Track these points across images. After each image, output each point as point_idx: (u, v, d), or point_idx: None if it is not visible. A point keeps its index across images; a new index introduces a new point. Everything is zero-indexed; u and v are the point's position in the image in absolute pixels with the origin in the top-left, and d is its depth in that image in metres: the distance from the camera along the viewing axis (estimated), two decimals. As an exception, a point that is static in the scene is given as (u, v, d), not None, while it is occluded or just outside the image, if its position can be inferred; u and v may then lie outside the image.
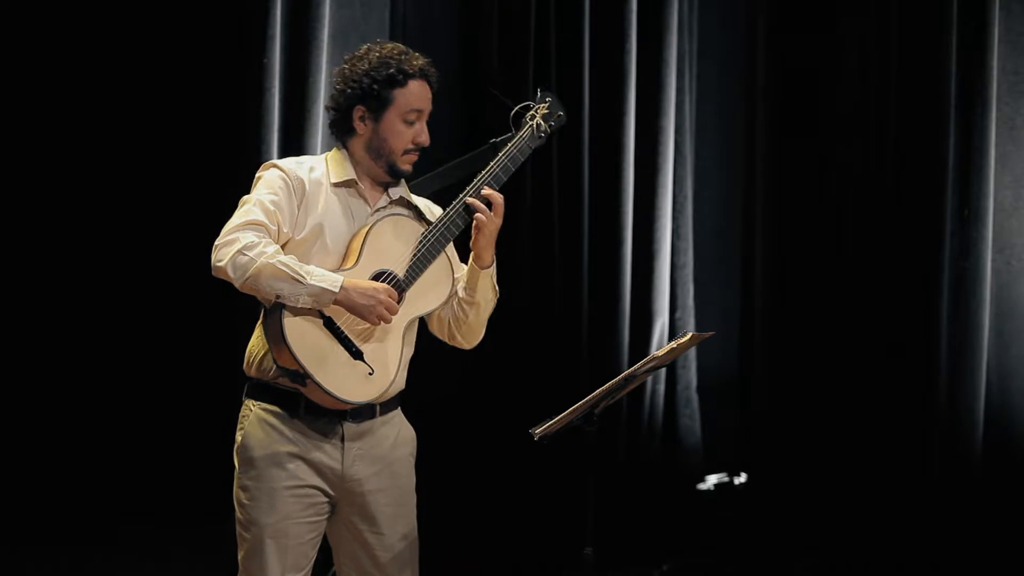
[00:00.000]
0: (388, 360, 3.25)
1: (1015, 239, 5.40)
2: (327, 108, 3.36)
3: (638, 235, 5.68)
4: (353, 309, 3.15)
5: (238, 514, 3.27)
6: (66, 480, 5.11)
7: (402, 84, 3.27)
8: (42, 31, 5.06)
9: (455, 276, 3.39)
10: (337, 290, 3.12)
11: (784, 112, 5.79)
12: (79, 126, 5.09)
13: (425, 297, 3.30)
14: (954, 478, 5.37)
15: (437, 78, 3.34)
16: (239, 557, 3.28)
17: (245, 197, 3.24)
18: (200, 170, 5.05)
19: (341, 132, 3.34)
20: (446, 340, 3.48)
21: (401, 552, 3.36)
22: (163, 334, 5.14)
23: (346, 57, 3.35)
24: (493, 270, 3.37)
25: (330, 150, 3.37)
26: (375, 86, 3.26)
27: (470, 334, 3.45)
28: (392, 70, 3.27)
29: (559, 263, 5.57)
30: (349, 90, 3.28)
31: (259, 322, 3.28)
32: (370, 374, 3.21)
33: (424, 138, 3.32)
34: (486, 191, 3.31)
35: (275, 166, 3.29)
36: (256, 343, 3.28)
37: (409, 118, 3.29)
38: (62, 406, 5.13)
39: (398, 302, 3.22)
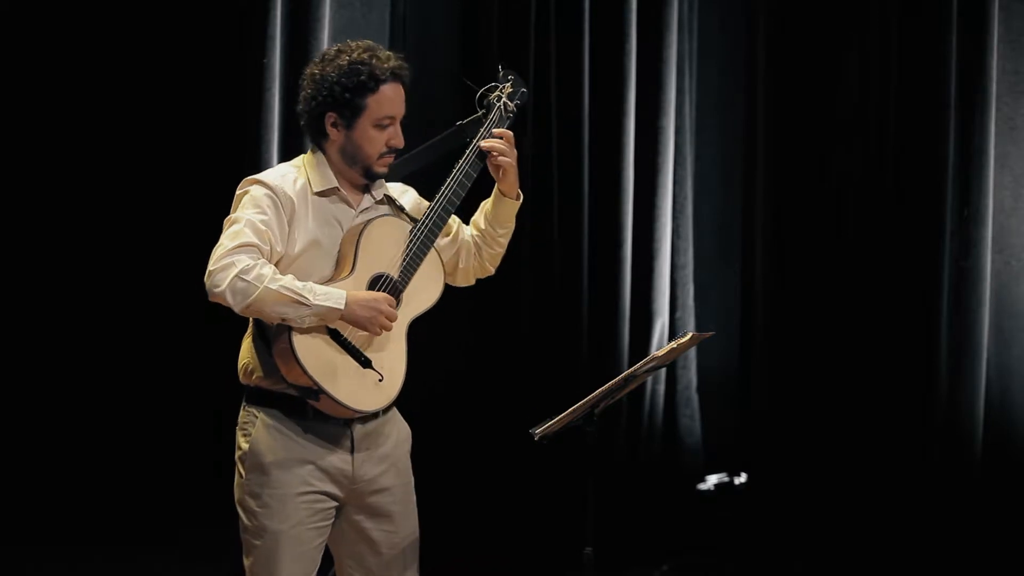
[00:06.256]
0: (395, 365, 3.25)
1: (1015, 239, 5.40)
2: (297, 111, 3.30)
3: (638, 235, 5.68)
4: (356, 323, 3.14)
5: (245, 521, 3.26)
6: (66, 480, 5.10)
7: (373, 90, 3.20)
8: (42, 31, 5.06)
9: (444, 262, 3.40)
10: (343, 307, 3.11)
11: (784, 112, 5.79)
12: (79, 127, 5.09)
13: (421, 295, 3.29)
14: (954, 478, 5.37)
15: (410, 74, 3.27)
16: (247, 564, 3.27)
17: (231, 216, 3.18)
18: (200, 170, 5.05)
19: (314, 135, 3.29)
20: (471, 283, 3.54)
21: (407, 548, 3.37)
22: (164, 335, 5.13)
23: (315, 59, 3.28)
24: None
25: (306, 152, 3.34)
26: (346, 94, 3.19)
27: (498, 259, 3.52)
28: (363, 76, 3.19)
29: (559, 263, 5.58)
30: (320, 97, 3.21)
31: (248, 333, 3.26)
32: (380, 381, 3.21)
33: (398, 140, 3.26)
34: (486, 143, 3.32)
35: (259, 182, 3.21)
36: (248, 354, 3.26)
37: (383, 123, 3.23)
38: (63, 407, 5.13)
39: (396, 305, 3.22)
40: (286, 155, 4.99)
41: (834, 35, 5.72)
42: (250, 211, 3.16)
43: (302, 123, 3.30)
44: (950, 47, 5.37)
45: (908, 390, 5.47)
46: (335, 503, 3.29)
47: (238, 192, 3.24)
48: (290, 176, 3.24)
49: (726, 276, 6.00)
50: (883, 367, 5.50)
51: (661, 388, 5.73)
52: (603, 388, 3.38)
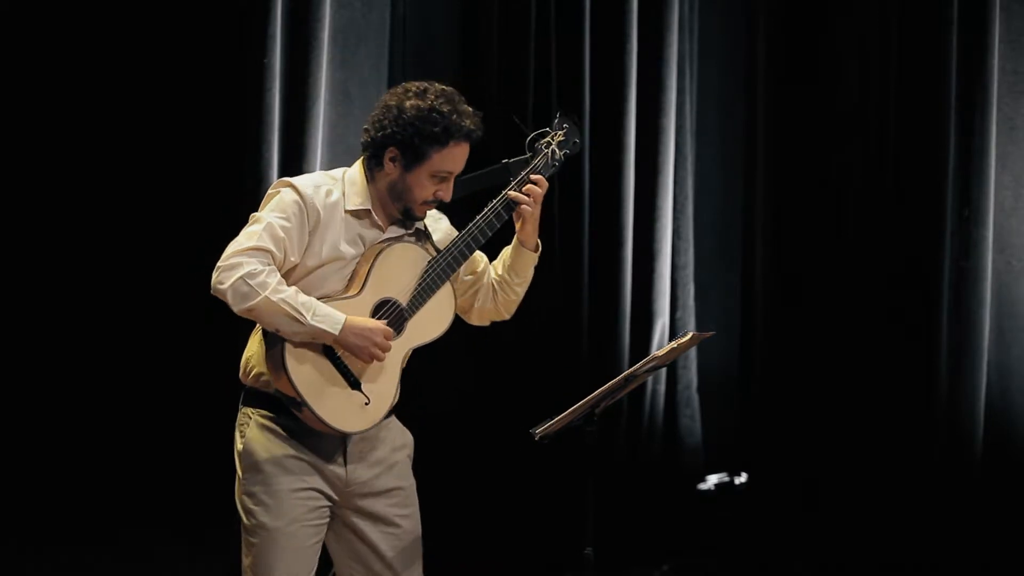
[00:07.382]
0: (384, 391, 3.27)
1: (1015, 239, 5.40)
2: (364, 128, 3.30)
3: (638, 235, 5.68)
4: (348, 348, 3.17)
5: (244, 520, 3.28)
6: (67, 481, 5.10)
7: (443, 145, 3.22)
8: (42, 31, 5.05)
9: (457, 299, 3.40)
10: (337, 332, 3.13)
11: (784, 112, 5.79)
12: (79, 127, 5.08)
13: (427, 327, 3.30)
14: (954, 478, 5.37)
15: (481, 134, 3.28)
16: (245, 563, 3.29)
17: (256, 214, 3.21)
18: (201, 171, 5.04)
19: (370, 160, 3.30)
20: (486, 324, 3.57)
21: (407, 550, 3.38)
22: (164, 337, 5.13)
23: (400, 88, 3.28)
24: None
25: (343, 159, 3.34)
26: (416, 138, 3.21)
27: (513, 307, 3.55)
28: (438, 128, 3.20)
29: (559, 263, 5.57)
30: (390, 129, 3.22)
31: (254, 332, 3.28)
32: (366, 404, 3.22)
33: (446, 194, 3.28)
34: (514, 195, 3.34)
35: (292, 187, 3.23)
36: (253, 352, 3.28)
37: (439, 175, 3.26)
38: (63, 407, 5.12)
39: (399, 332, 3.24)
40: (286, 155, 4.99)
41: (834, 35, 5.72)
42: (275, 214, 3.19)
43: (362, 141, 3.30)
44: (950, 47, 5.37)
45: (908, 390, 5.47)
46: (329, 502, 3.31)
47: (270, 191, 3.27)
48: (324, 188, 3.26)
49: (726, 276, 6.00)
50: (883, 367, 5.50)
51: (661, 388, 5.73)
52: (603, 388, 3.39)
